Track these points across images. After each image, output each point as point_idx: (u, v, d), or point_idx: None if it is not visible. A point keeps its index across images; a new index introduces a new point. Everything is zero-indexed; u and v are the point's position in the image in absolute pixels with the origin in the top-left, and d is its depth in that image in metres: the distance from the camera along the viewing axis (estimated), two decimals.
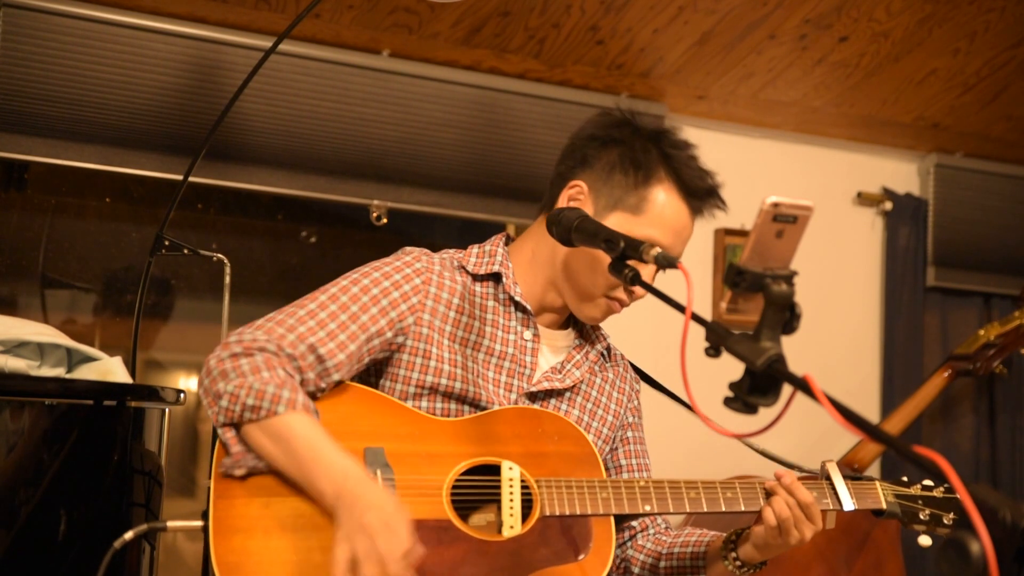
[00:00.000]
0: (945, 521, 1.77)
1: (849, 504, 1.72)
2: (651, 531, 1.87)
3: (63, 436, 1.88)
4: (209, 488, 1.51)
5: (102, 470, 1.94)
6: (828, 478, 1.74)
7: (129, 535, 1.54)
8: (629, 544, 1.87)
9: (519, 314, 1.77)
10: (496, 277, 1.78)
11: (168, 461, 2.24)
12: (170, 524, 1.56)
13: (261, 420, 1.48)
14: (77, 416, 1.90)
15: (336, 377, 1.60)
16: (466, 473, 1.61)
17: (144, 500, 2.05)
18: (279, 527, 1.48)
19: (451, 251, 1.81)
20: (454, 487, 1.59)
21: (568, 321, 1.88)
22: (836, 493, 1.72)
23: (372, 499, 1.42)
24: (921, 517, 1.77)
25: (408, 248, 1.77)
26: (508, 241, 1.85)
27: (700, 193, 1.74)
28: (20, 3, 2.70)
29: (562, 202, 1.76)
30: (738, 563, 1.71)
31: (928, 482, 1.82)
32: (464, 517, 1.61)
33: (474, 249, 1.82)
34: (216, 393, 1.51)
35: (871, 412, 3.80)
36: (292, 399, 1.49)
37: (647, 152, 1.74)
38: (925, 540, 1.79)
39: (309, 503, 1.50)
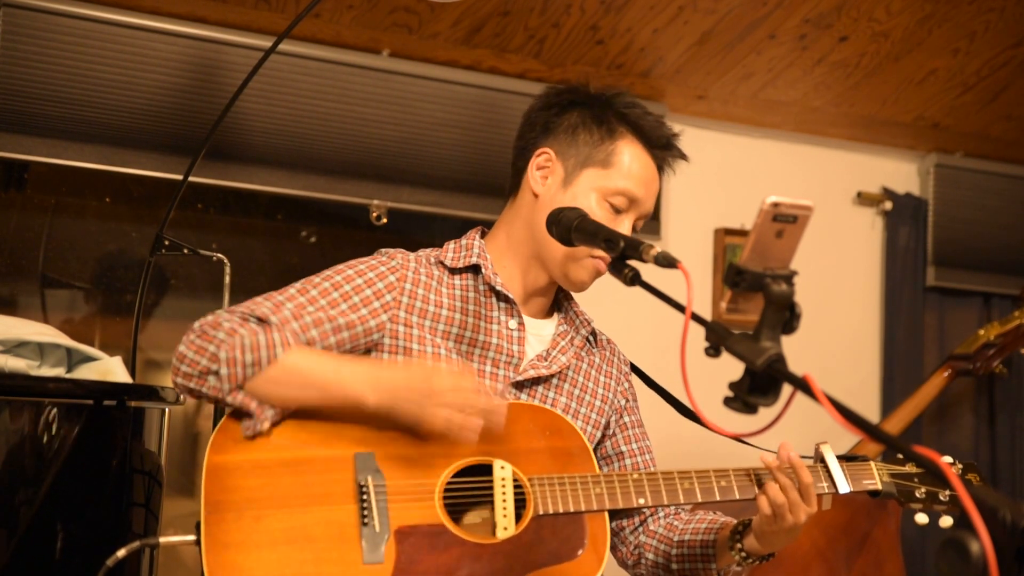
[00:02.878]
0: (941, 498, 1.75)
1: (845, 486, 1.70)
2: (661, 515, 1.86)
3: (63, 436, 1.88)
4: (201, 503, 1.51)
5: (102, 470, 1.94)
6: (822, 460, 1.73)
7: (122, 552, 1.55)
8: (641, 530, 1.86)
9: (502, 304, 1.77)
10: (475, 269, 1.78)
11: (168, 461, 2.24)
12: (162, 540, 1.57)
13: (265, 369, 1.51)
14: (77, 416, 1.90)
15: None
16: (458, 474, 1.61)
17: (144, 500, 2.05)
18: (271, 541, 1.48)
19: (428, 250, 1.82)
20: (446, 489, 1.59)
21: (552, 309, 1.88)
22: (831, 476, 1.71)
23: (422, 379, 1.52)
24: (917, 495, 1.75)
25: (384, 249, 1.77)
26: (484, 234, 1.87)
27: (662, 143, 1.80)
28: (20, 3, 2.70)
29: (531, 172, 1.79)
30: (743, 554, 1.70)
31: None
32: (458, 518, 1.60)
33: (451, 244, 1.83)
34: (202, 371, 1.52)
35: (871, 412, 3.80)
36: (283, 339, 1.53)
37: (605, 110, 1.79)
38: (922, 518, 1.77)
39: (301, 515, 1.51)
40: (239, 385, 1.52)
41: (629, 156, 1.76)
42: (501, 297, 1.77)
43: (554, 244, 1.73)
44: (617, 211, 1.75)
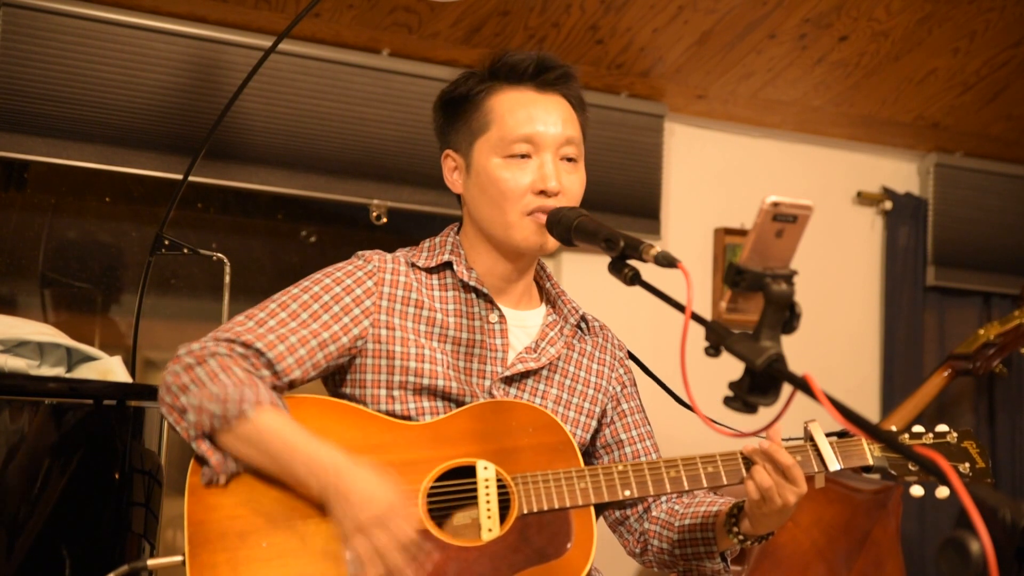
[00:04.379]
0: None
1: (835, 464, 1.69)
2: (663, 500, 1.85)
3: (63, 436, 1.88)
4: (184, 525, 1.50)
5: (102, 470, 1.94)
6: (812, 439, 1.71)
7: None
8: (645, 517, 1.85)
9: (480, 300, 1.75)
10: (449, 266, 1.77)
11: (168, 461, 2.24)
12: (151, 563, 1.56)
13: (231, 425, 1.49)
14: (77, 416, 1.90)
15: (287, 380, 1.60)
16: (443, 476, 1.59)
17: (144, 500, 2.05)
18: (257, 558, 1.48)
19: (404, 250, 1.81)
20: (430, 493, 1.57)
21: (540, 299, 1.86)
22: (821, 455, 1.69)
23: (362, 492, 1.44)
24: (910, 468, 1.74)
25: (361, 252, 1.76)
26: (461, 229, 1.85)
27: (528, 68, 1.74)
28: (20, 3, 2.70)
29: (447, 177, 1.81)
30: (740, 537, 1.70)
31: (917, 428, 1.81)
32: (445, 521, 1.59)
33: (425, 243, 1.83)
34: (180, 408, 1.51)
35: (871, 412, 3.81)
36: (257, 398, 1.49)
37: (471, 81, 1.77)
38: (917, 490, 1.76)
39: (286, 530, 1.50)
40: (205, 434, 1.50)
41: (501, 104, 1.73)
42: (477, 292, 1.75)
43: (488, 222, 1.73)
44: (525, 157, 1.70)
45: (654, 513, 1.84)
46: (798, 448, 1.70)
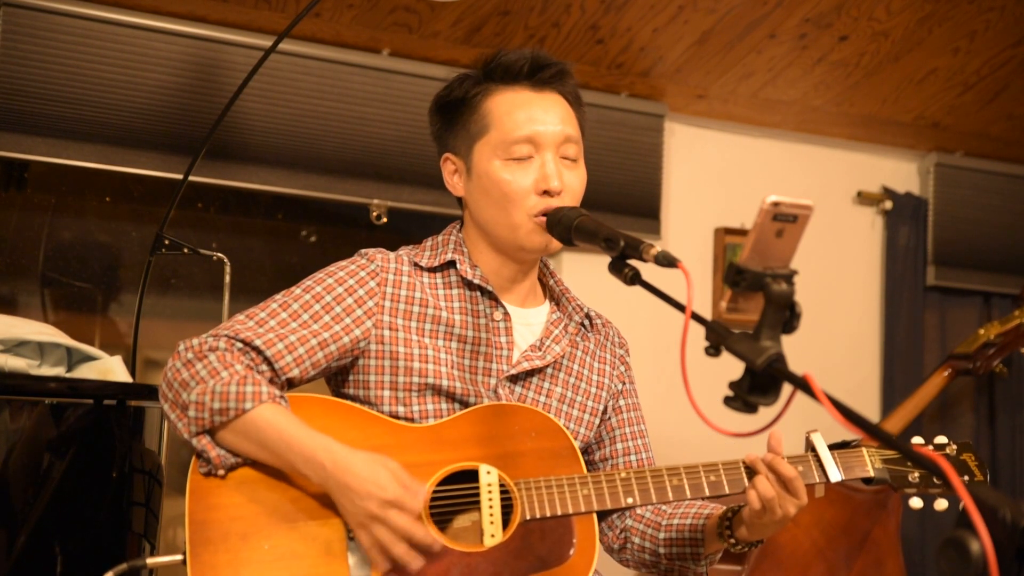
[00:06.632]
0: (935, 480, 1.73)
1: (836, 475, 1.68)
2: None
3: (63, 435, 1.88)
4: (186, 524, 1.50)
5: (102, 469, 1.94)
6: (813, 450, 1.71)
7: (109, 575, 1.53)
8: (628, 514, 1.85)
9: (484, 297, 1.75)
10: (452, 265, 1.76)
11: (168, 461, 2.24)
12: (150, 561, 1.56)
13: (231, 421, 1.49)
14: (77, 415, 1.90)
15: (285, 377, 1.60)
16: (445, 480, 1.58)
17: (144, 500, 2.05)
18: (258, 559, 1.48)
19: (407, 248, 1.81)
20: (433, 497, 1.57)
21: (545, 296, 1.86)
22: (822, 465, 1.69)
23: (364, 481, 1.45)
24: (911, 479, 1.74)
25: (364, 250, 1.75)
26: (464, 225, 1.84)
27: (523, 68, 1.74)
28: (20, 3, 2.70)
29: (448, 181, 1.82)
30: (732, 541, 1.70)
31: (916, 440, 1.81)
32: (447, 524, 1.59)
33: (428, 242, 1.82)
34: (182, 405, 1.51)
35: (871, 412, 3.80)
36: (256, 392, 1.50)
37: (466, 83, 1.77)
38: (916, 502, 1.76)
39: (288, 532, 1.50)
40: (206, 429, 1.51)
41: (498, 106, 1.72)
42: (481, 290, 1.75)
43: (492, 224, 1.72)
44: (526, 158, 1.70)
45: (639, 511, 1.84)
46: (800, 458, 1.69)
